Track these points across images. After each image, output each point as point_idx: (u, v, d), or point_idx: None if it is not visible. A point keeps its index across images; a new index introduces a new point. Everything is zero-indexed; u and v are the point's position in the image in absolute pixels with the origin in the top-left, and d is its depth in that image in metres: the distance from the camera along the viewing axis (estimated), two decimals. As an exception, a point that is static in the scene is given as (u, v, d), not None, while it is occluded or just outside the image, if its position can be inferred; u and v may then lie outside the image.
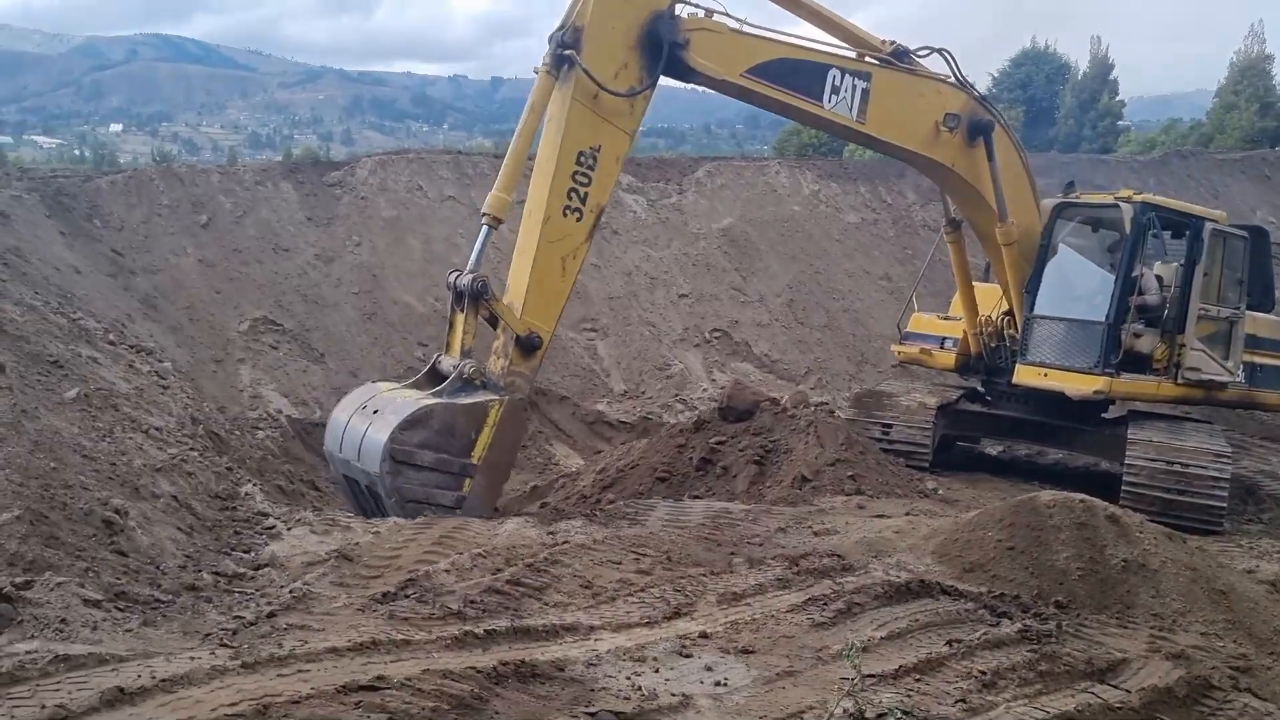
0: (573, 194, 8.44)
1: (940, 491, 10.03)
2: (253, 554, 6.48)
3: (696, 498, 9.50)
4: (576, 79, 8.30)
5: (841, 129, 9.91)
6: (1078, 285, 10.74)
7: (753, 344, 16.95)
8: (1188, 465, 9.77)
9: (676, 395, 15.19)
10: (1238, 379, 11.08)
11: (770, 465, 10.01)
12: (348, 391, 13.41)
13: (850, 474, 9.47)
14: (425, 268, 15.55)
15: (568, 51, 8.28)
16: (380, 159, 16.93)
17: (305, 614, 4.92)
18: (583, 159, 8.43)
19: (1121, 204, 10.66)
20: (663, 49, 8.50)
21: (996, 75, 72.60)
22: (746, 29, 9.14)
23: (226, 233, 14.44)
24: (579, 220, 8.50)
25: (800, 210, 19.95)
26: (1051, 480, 12.07)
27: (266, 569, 6.12)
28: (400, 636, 4.41)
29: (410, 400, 8.10)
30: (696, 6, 8.88)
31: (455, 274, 8.59)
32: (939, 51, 10.39)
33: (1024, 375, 10.77)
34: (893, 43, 10.13)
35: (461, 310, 8.43)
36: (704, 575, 6.06)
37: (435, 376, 8.54)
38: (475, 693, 3.87)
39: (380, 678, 3.80)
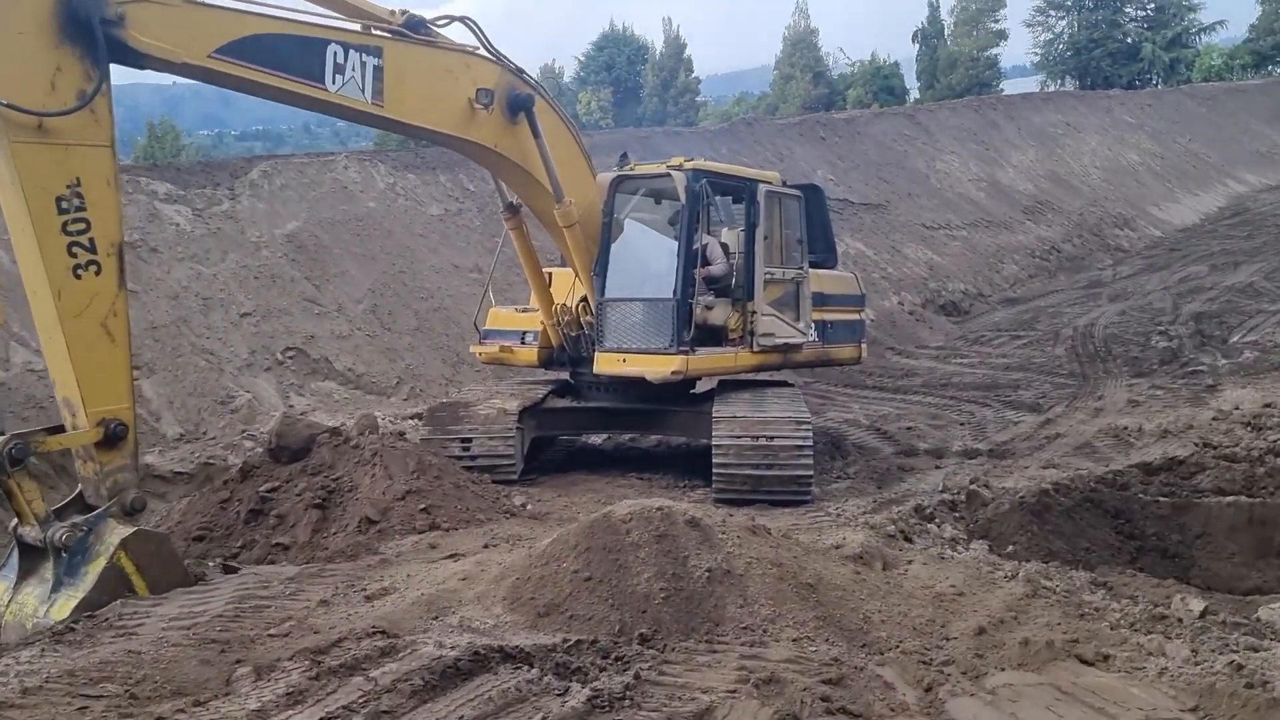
0: (75, 249, 6.62)
1: (529, 507, 9.03)
2: None
3: (233, 555, 7.85)
4: (1, 117, 6.31)
5: (357, 114, 8.39)
6: (646, 262, 10.20)
7: (334, 359, 15.21)
8: (772, 438, 9.47)
9: (244, 431, 13.17)
10: (811, 338, 11.08)
11: (334, 508, 8.54)
12: None
13: (422, 506, 8.21)
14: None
15: None
16: None
17: None
18: (64, 205, 6.56)
19: (673, 172, 10.20)
20: (94, 31, 6.53)
21: (582, 59, 74.93)
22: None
23: None
24: (99, 274, 6.72)
25: (376, 206, 18.36)
26: (654, 464, 11.55)
27: None
28: None
29: (39, 619, 6.37)
30: None
31: None
32: (461, 20, 9.28)
33: (604, 363, 10.09)
34: (405, 13, 8.73)
35: (8, 476, 6.52)
36: (182, 710, 4.51)
37: (27, 553, 6.74)
38: None
39: None
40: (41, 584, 6.58)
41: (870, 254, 24.22)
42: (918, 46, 63.47)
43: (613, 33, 75.63)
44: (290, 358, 14.92)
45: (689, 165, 10.35)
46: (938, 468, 11.42)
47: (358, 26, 8.39)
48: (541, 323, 11.07)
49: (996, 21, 61.97)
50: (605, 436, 12.99)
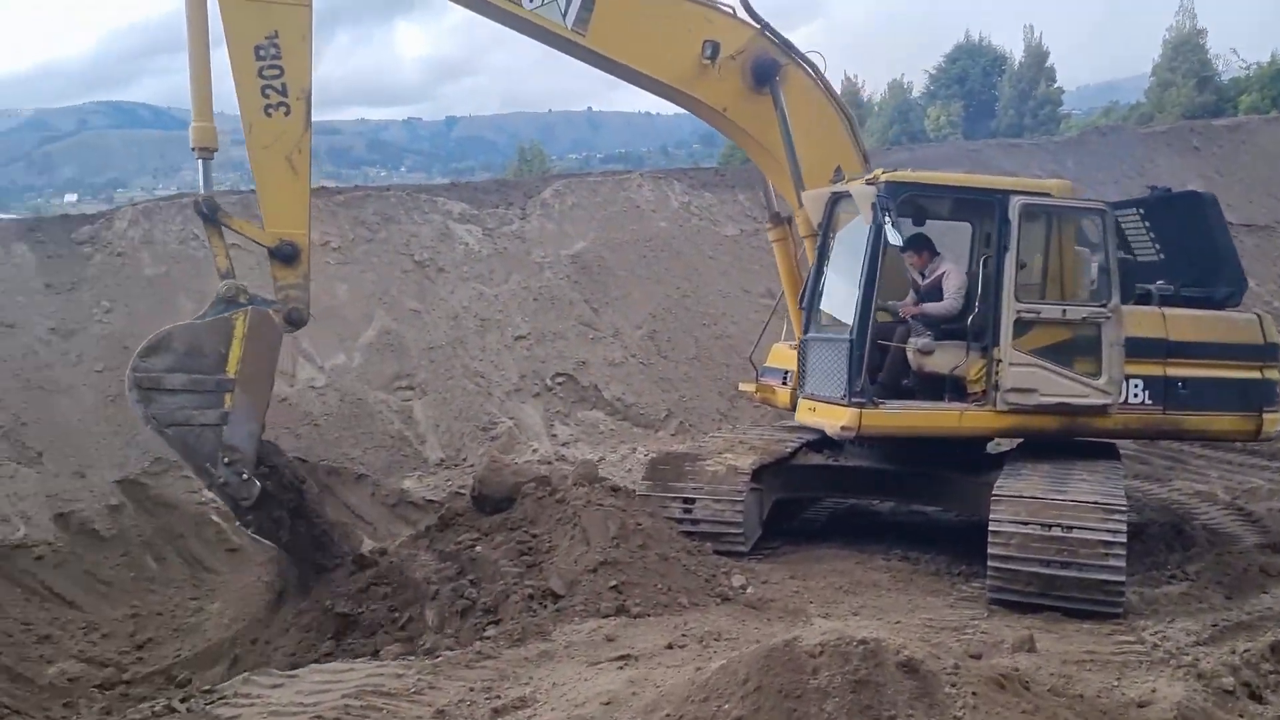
0: (268, 91, 7.75)
1: (749, 590, 7.50)
2: None
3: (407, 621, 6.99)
4: None
5: (558, 40, 8.41)
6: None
7: (603, 387, 14.45)
8: (1070, 528, 7.30)
9: (502, 460, 12.65)
10: (1136, 398, 8.63)
11: (533, 569, 7.53)
12: (66, 497, 11.05)
13: (614, 583, 6.97)
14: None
15: None
16: (145, 207, 14.36)
17: None
18: (262, 52, 7.69)
19: (853, 188, 8.43)
20: None
21: (933, 72, 71.51)
22: None
23: (-71, 312, 11.86)
24: (287, 114, 7.82)
25: (668, 226, 17.52)
26: (930, 538, 9.58)
27: None
28: None
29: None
30: None
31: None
32: None
33: (801, 411, 8.79)
34: None
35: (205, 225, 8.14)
36: None
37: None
38: None
39: None
40: None
41: (1252, 284, 20.17)
42: (1334, 41, 54.39)
43: (967, 44, 71.45)
44: (559, 384, 14.35)
45: (885, 177, 8.50)
46: (1319, 576, 8.58)
47: None
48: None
49: None
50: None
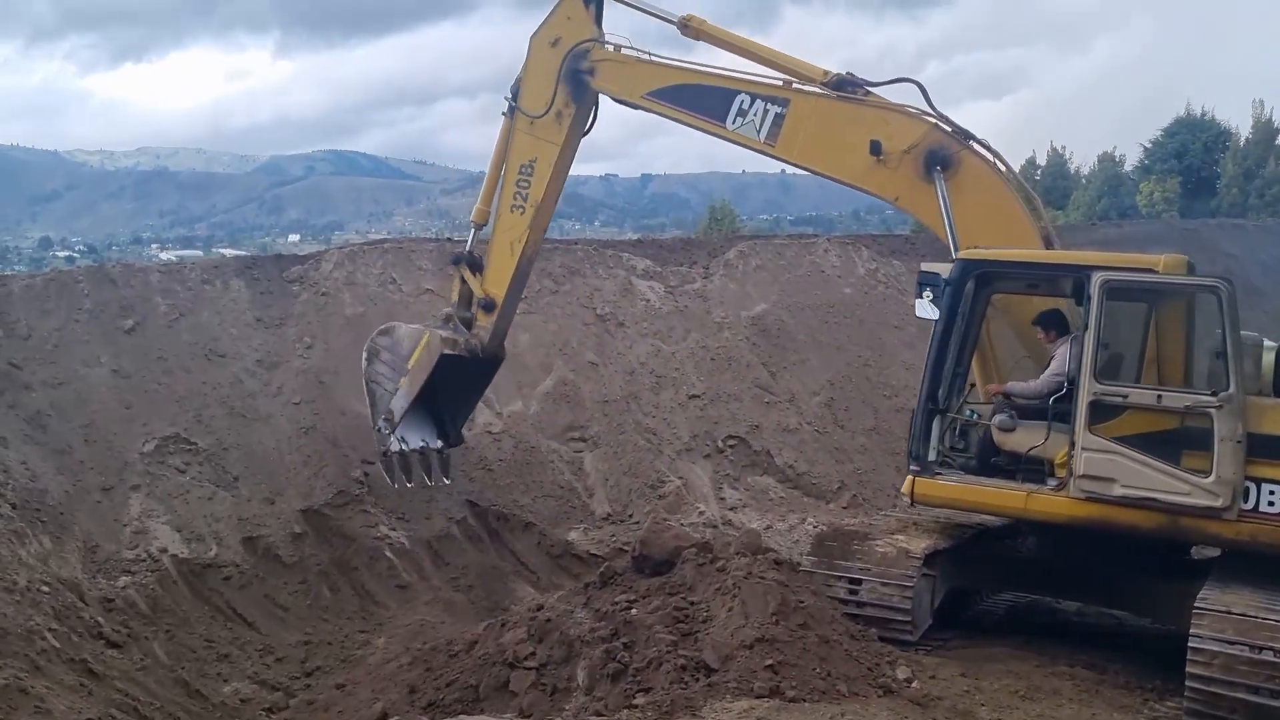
0: (518, 195, 10.88)
1: (915, 684, 7.03)
2: None
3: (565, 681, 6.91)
4: (518, 115, 10.86)
5: (753, 149, 9.81)
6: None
7: (775, 453, 14.18)
8: (1282, 651, 6.53)
9: (666, 521, 12.55)
10: (1275, 508, 7.29)
11: (688, 638, 7.35)
12: (255, 521, 11.64)
13: (770, 663, 6.68)
14: (385, 372, 13.56)
15: (515, 103, 10.84)
16: (350, 250, 15.17)
17: None
18: (524, 170, 10.86)
19: (924, 266, 8.71)
20: (577, 76, 10.39)
21: (1148, 146, 67.96)
22: (653, 59, 10.24)
23: (154, 338, 12.77)
24: (521, 214, 10.88)
25: (852, 293, 17.21)
26: (1123, 646, 8.81)
27: None
28: None
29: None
30: (610, 45, 10.48)
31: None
32: (907, 80, 9.42)
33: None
34: (838, 74, 9.47)
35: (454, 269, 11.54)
36: None
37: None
38: None
39: None
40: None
41: None
42: None
43: (1188, 118, 67.65)
44: (731, 446, 14.18)
45: (959, 255, 8.42)
46: None
47: (780, 80, 9.72)
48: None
49: None
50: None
